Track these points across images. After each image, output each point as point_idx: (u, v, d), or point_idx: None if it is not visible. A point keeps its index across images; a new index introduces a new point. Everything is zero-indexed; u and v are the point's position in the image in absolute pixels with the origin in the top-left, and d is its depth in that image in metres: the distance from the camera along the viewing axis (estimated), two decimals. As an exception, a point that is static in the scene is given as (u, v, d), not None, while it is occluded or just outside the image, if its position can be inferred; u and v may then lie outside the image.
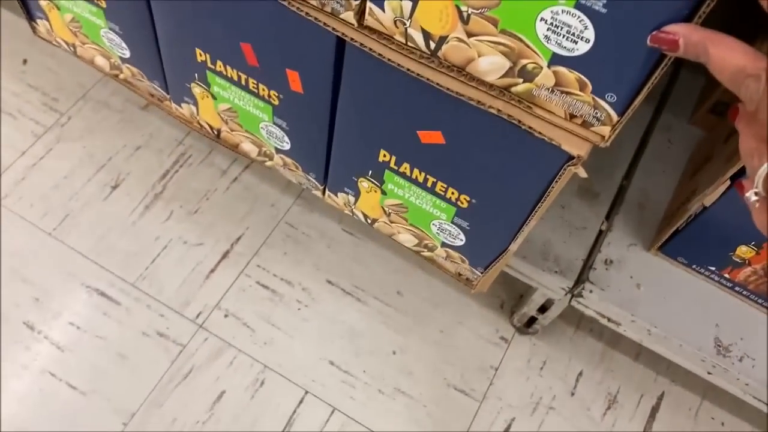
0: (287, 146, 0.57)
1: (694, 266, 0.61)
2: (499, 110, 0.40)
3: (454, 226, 0.53)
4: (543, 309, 0.69)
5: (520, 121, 0.40)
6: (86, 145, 0.86)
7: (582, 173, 0.40)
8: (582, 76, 0.36)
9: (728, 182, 0.52)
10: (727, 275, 0.60)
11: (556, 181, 0.41)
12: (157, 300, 0.77)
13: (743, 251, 0.56)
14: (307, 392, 0.74)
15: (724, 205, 0.53)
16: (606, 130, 0.39)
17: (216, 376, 0.74)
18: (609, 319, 0.62)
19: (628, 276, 0.62)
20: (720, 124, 0.66)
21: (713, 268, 0.60)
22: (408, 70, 0.41)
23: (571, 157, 0.40)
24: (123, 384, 0.72)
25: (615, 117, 0.38)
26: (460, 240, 0.54)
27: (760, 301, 0.60)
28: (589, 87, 0.37)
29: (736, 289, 0.61)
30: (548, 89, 0.38)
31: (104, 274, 0.78)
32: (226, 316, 0.78)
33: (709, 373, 0.60)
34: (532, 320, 0.75)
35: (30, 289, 0.76)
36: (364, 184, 0.55)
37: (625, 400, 0.76)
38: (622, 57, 0.34)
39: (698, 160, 0.64)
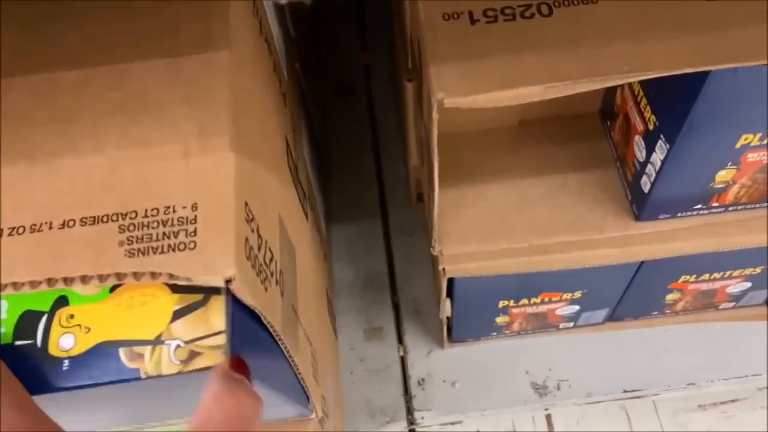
0: None
1: (482, 338, 0.70)
2: None
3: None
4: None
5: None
6: None
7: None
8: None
9: (448, 300, 0.60)
10: (506, 331, 0.68)
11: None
12: None
13: (500, 320, 0.65)
14: None
15: (459, 310, 0.61)
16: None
17: None
18: (452, 423, 0.69)
19: (441, 381, 0.69)
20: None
21: (494, 333, 0.69)
22: None
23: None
24: None
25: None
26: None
27: (539, 330, 0.69)
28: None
29: (520, 333, 0.69)
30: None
31: None
32: None
33: (546, 409, 0.69)
34: None
35: None
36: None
37: None
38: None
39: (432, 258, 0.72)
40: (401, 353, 0.71)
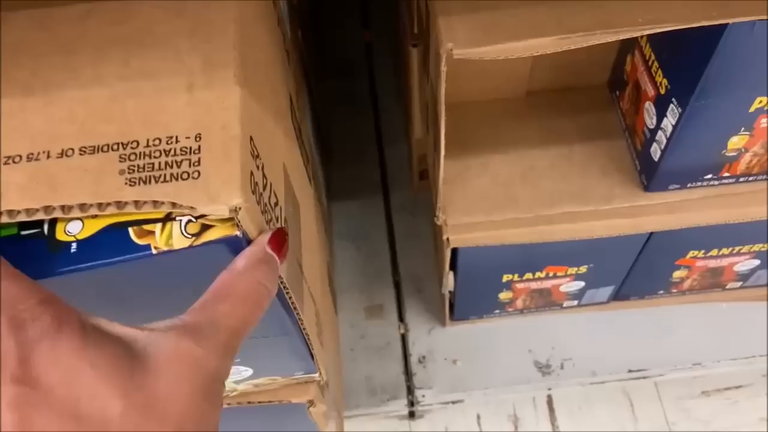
0: None
1: (484, 316, 0.69)
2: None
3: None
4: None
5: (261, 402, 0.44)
6: None
7: (320, 411, 0.44)
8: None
9: (451, 273, 0.59)
10: (510, 309, 0.67)
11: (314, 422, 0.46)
12: None
13: (503, 297, 0.64)
14: None
15: (463, 284, 0.60)
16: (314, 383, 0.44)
17: None
18: (453, 402, 0.68)
19: (443, 359, 0.68)
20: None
21: (497, 311, 0.68)
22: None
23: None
24: None
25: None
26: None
27: (542, 308, 0.68)
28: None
29: (524, 312, 0.68)
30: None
31: None
32: None
33: (549, 389, 0.68)
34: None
35: None
36: None
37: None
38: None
39: (434, 234, 0.71)
40: (402, 331, 0.70)
